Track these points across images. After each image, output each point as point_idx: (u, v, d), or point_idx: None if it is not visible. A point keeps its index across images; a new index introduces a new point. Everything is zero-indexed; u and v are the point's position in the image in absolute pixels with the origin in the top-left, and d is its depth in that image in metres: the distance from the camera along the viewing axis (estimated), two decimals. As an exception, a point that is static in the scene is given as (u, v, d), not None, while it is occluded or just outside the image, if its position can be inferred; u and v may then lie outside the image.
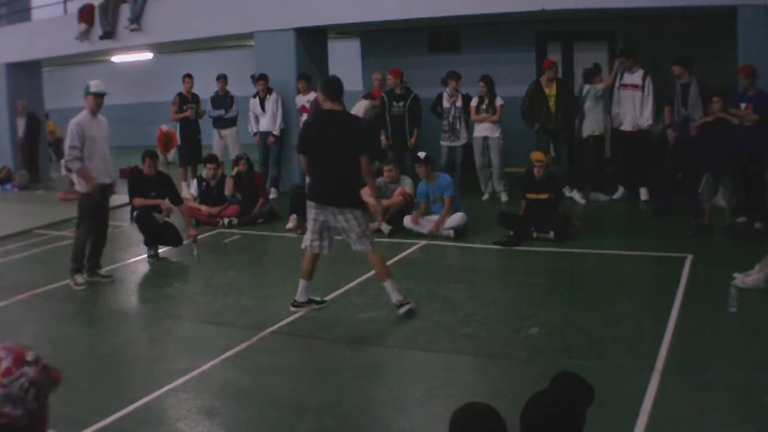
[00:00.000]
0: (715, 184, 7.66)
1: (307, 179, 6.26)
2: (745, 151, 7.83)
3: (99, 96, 6.81)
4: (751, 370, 4.42)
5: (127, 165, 14.17)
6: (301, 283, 5.87)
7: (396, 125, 10.43)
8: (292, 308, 5.87)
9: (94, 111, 6.81)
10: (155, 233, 8.01)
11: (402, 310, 5.64)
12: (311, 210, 5.74)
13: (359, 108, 10.73)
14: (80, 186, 6.93)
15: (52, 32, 13.90)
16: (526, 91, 9.99)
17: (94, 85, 6.83)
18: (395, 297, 5.68)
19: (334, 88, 5.74)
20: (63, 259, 8.31)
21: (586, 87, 9.84)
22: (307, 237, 5.82)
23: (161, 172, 8.25)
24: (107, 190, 7.11)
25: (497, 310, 5.80)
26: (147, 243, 7.99)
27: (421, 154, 8.57)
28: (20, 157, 14.57)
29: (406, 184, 8.85)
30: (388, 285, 5.71)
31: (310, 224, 5.80)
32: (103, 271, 7.20)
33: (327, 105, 5.74)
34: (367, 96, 11.40)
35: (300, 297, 5.88)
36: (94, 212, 6.94)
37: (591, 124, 9.71)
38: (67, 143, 6.78)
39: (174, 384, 4.62)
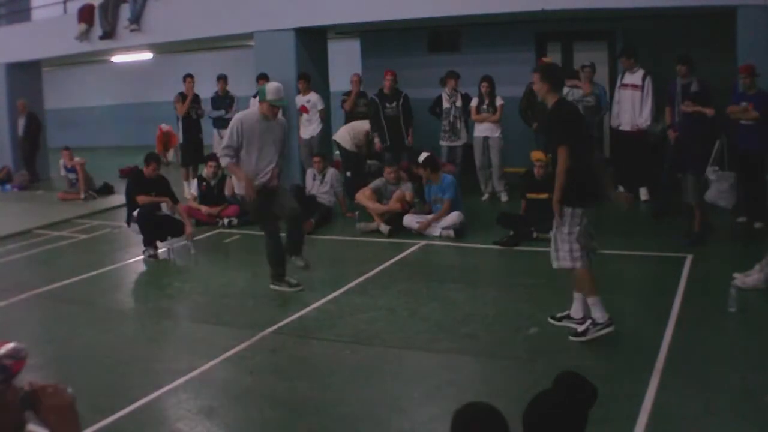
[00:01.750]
0: (696, 184, 7.53)
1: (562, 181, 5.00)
2: (746, 151, 7.84)
3: (275, 107, 6.35)
4: (751, 370, 4.42)
5: (126, 165, 14.22)
6: (595, 299, 5.03)
7: (392, 126, 10.42)
8: (610, 330, 5.00)
9: (268, 117, 6.33)
10: (158, 228, 8.03)
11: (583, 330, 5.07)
12: (579, 218, 4.96)
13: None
14: (238, 188, 6.51)
15: (52, 32, 13.88)
16: (524, 90, 9.99)
17: (271, 92, 6.25)
18: (598, 315, 5.06)
19: (559, 76, 5.15)
20: (63, 259, 8.35)
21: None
22: (577, 249, 4.98)
23: (159, 174, 8.29)
24: (271, 189, 6.51)
25: (497, 310, 5.80)
26: (146, 243, 7.99)
27: (422, 156, 8.56)
28: (20, 157, 14.57)
29: (406, 189, 8.84)
30: (591, 301, 5.10)
31: (574, 235, 4.97)
32: (300, 260, 6.58)
33: (552, 97, 5.01)
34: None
35: (602, 317, 5.01)
36: (266, 210, 6.47)
37: None
38: (224, 140, 6.36)
39: (174, 384, 4.62)
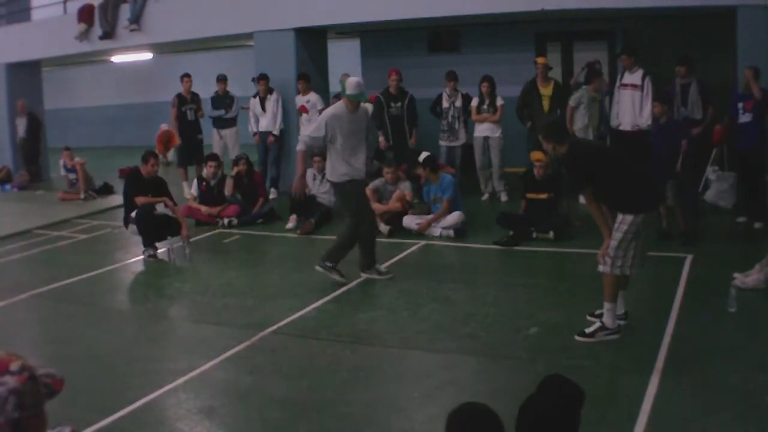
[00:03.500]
0: (677, 190, 7.46)
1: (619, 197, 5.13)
2: (746, 151, 7.85)
3: (355, 102, 6.51)
4: (751, 370, 4.42)
5: (126, 165, 14.21)
6: (612, 306, 5.09)
7: (395, 126, 10.42)
8: (616, 337, 5.04)
9: (351, 110, 6.53)
10: (157, 227, 8.01)
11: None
12: (636, 225, 4.95)
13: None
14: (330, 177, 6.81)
15: (51, 32, 13.88)
16: (521, 90, 10.01)
17: (351, 87, 6.45)
18: (609, 321, 5.09)
19: (557, 130, 5.38)
20: (63, 259, 8.35)
21: (581, 90, 9.70)
22: (620, 255, 5.00)
23: (158, 174, 8.27)
24: (360, 185, 6.83)
25: (497, 310, 5.80)
26: (145, 243, 7.98)
27: (422, 156, 8.56)
28: (20, 157, 14.57)
29: (405, 188, 8.84)
30: (607, 306, 5.12)
31: (624, 241, 4.98)
32: (381, 267, 6.82)
33: (562, 147, 5.15)
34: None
35: (612, 323, 5.08)
36: (363, 198, 6.92)
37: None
38: (310, 130, 6.67)
39: (174, 384, 4.62)
